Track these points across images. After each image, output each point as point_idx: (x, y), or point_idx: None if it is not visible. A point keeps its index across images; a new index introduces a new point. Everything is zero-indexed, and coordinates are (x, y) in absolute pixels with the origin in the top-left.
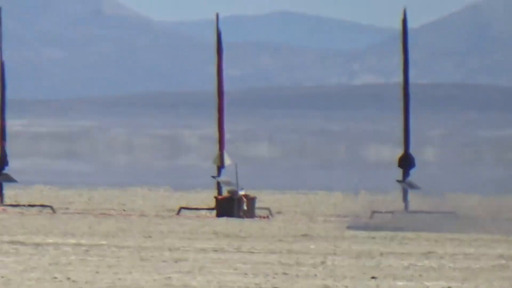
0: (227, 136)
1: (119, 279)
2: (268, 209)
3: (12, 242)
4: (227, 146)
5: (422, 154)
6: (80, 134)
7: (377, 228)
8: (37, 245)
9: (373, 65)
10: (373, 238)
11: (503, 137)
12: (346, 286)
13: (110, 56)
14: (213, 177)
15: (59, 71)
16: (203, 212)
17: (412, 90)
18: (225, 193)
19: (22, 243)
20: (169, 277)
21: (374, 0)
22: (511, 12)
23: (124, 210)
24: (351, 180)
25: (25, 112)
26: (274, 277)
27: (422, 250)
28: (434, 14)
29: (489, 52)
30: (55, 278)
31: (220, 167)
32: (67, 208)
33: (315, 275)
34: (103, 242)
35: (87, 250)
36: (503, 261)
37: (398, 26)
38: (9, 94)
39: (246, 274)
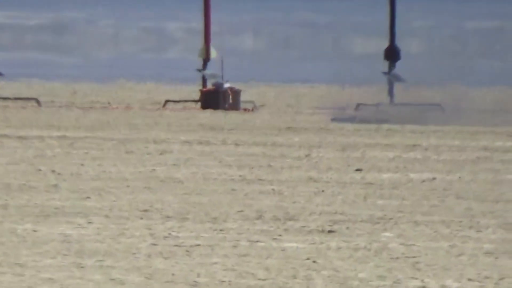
0: (213, 28)
1: (104, 171)
2: (252, 102)
3: None
4: (213, 38)
5: (408, 46)
6: (65, 26)
7: (362, 120)
8: (22, 138)
9: None
10: (358, 130)
11: (490, 28)
12: (331, 178)
13: None
14: (199, 70)
15: None
16: (189, 104)
17: None
18: (210, 86)
19: (6, 136)
20: (154, 169)
21: None
22: None
23: (109, 103)
24: (337, 73)
25: (9, 3)
26: (258, 169)
27: (407, 142)
28: None
29: None
30: (40, 170)
31: (206, 60)
32: (52, 101)
33: (300, 167)
34: (88, 135)
35: (72, 143)
36: (487, 153)
37: None
38: None
39: (230, 166)
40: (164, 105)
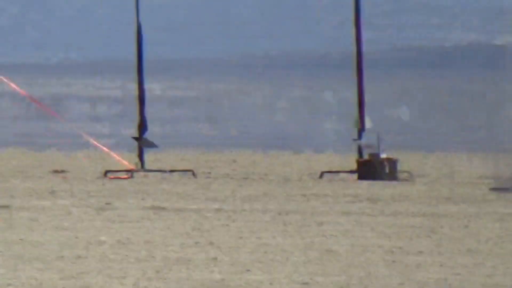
0: (367, 98)
1: (263, 243)
2: (409, 172)
3: (154, 208)
4: (367, 108)
5: None
6: (220, 97)
7: None
8: (179, 210)
9: None
10: None
11: None
12: (491, 250)
13: (248, 15)
14: (354, 140)
15: (196, 29)
16: (345, 175)
17: None
18: (366, 156)
19: (163, 209)
20: (312, 241)
21: None
22: None
23: (266, 175)
24: (494, 141)
25: (162, 74)
26: (418, 240)
27: None
28: None
29: None
30: (198, 243)
31: (361, 130)
32: (209, 173)
33: (459, 238)
34: (246, 207)
35: (229, 215)
36: None
37: None
38: (147, 55)
39: (389, 237)
40: (321, 176)
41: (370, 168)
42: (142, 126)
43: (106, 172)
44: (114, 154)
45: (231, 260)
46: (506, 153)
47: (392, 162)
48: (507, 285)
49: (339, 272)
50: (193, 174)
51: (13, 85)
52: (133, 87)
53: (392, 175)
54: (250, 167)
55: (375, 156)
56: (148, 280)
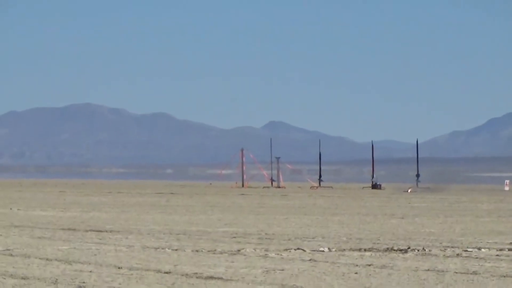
0: None
1: None
2: (384, 187)
3: (321, 195)
4: None
5: None
6: None
7: None
8: (321, 195)
9: None
10: None
11: None
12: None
13: None
14: (372, 179)
15: None
16: (369, 188)
17: None
18: (374, 182)
19: (323, 195)
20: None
21: None
22: None
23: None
24: None
25: None
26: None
27: None
28: None
29: None
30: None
31: (372, 177)
32: (330, 187)
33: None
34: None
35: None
36: None
37: None
38: None
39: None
40: (363, 188)
41: (375, 186)
42: (319, 176)
43: (311, 187)
44: (312, 183)
45: None
46: None
47: (379, 185)
48: None
49: None
50: (332, 187)
51: (289, 166)
52: None
53: (380, 188)
54: None
55: (376, 182)
56: None
